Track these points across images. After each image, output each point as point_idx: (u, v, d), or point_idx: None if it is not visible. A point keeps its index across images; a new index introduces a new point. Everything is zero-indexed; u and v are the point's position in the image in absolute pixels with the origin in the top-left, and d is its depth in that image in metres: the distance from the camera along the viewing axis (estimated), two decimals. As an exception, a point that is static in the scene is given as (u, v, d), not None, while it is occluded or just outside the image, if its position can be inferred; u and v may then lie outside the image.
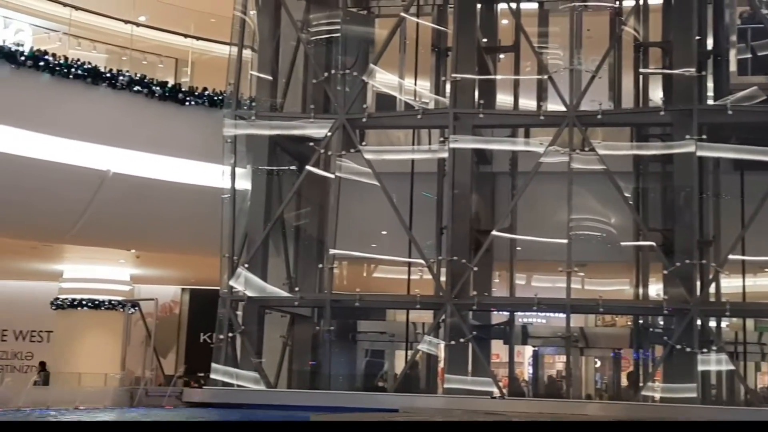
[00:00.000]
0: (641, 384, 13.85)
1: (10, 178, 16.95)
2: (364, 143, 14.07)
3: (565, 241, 13.01)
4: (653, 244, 13.36)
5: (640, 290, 14.91)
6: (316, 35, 14.82)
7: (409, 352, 15.03)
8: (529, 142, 14.68)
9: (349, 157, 13.69)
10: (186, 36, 20.91)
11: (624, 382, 16.20)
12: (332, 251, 13.63)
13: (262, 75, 14.66)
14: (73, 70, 17.55)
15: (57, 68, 17.48)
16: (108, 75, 17.97)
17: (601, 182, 13.30)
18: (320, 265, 14.23)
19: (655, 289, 14.93)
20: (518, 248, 14.81)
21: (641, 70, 15.18)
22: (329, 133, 13.76)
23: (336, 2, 14.64)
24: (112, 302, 25.14)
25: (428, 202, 14.90)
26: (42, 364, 23.96)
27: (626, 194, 13.64)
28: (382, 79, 14.47)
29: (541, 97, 15.15)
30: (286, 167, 14.59)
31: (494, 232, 13.69)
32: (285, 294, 14.01)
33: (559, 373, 17.38)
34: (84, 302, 25.27)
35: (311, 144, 14.14)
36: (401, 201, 14.34)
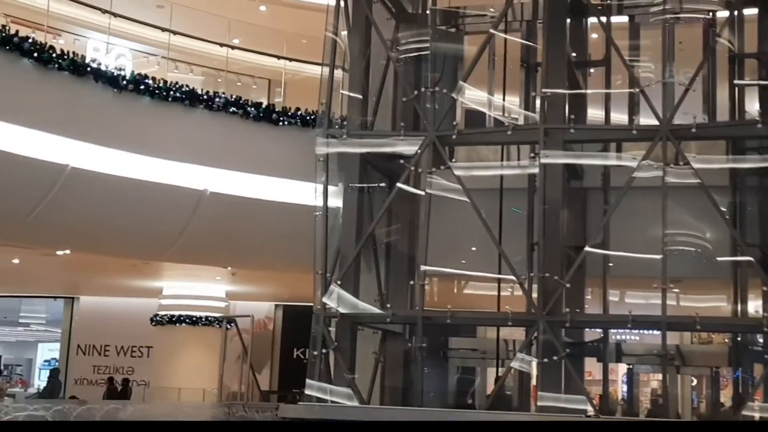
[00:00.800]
0: (741, 403, 13.51)
1: (113, 199, 17.58)
2: (453, 160, 14.13)
3: (659, 256, 12.80)
4: (751, 259, 13.05)
5: (738, 307, 14.56)
6: (405, 53, 14.96)
7: (501, 369, 14.96)
8: (622, 157, 14.49)
9: (439, 174, 13.75)
10: (279, 57, 21.38)
11: (722, 400, 15.83)
12: (423, 268, 13.70)
13: (352, 94, 14.83)
14: (171, 92, 18.10)
15: (156, 91, 18.08)
16: (205, 97, 18.49)
17: (696, 197, 13.05)
18: (411, 282, 14.30)
19: (754, 306, 14.56)
20: (611, 264, 14.63)
21: (736, 81, 14.86)
22: (419, 151, 13.84)
23: (425, 20, 14.78)
24: (209, 318, 25.71)
25: (518, 218, 14.86)
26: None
27: (722, 209, 13.35)
28: (472, 96, 14.51)
29: (633, 110, 14.96)
30: (377, 185, 14.73)
31: (586, 248, 13.55)
32: (377, 311, 14.12)
33: (654, 391, 17.07)
34: (182, 318, 25.92)
35: (401, 161, 14.26)
36: (491, 217, 14.32)
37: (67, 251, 21.66)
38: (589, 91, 15.47)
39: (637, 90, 13.77)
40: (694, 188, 12.91)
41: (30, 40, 16.83)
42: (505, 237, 14.35)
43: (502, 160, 15.38)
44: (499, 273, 14.06)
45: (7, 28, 16.95)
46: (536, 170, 13.57)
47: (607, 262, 14.63)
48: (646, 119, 14.05)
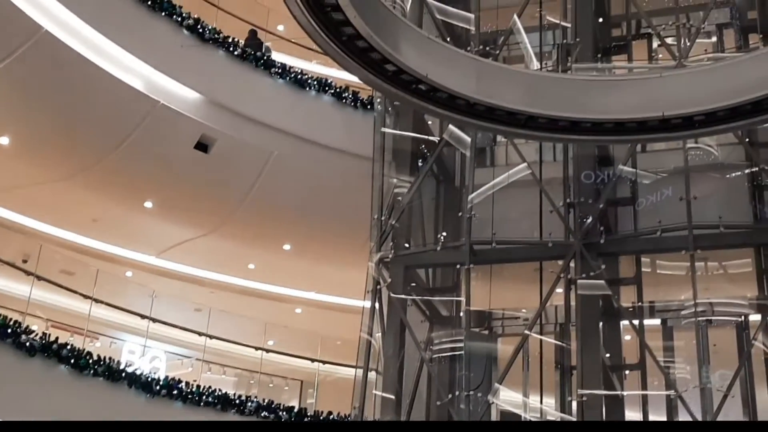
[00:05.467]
0: None
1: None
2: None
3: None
4: None
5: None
6: (439, 353, 15.04)
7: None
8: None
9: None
10: (312, 360, 21.50)
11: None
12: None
13: (386, 395, 14.74)
14: (204, 397, 18.04)
15: (189, 396, 18.02)
16: (237, 401, 18.38)
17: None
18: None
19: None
20: None
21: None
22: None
23: (459, 322, 14.98)
24: None
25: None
26: None
27: None
28: (507, 398, 14.37)
29: (672, 413, 14.68)
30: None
31: None
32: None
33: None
34: None
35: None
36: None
37: None
38: (625, 393, 15.27)
39: (674, 393, 13.62)
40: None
41: (68, 347, 17.14)
42: None
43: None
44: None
45: (48, 334, 17.34)
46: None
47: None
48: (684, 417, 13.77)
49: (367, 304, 15.26)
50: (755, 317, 14.57)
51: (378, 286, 15.11)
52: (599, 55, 15.52)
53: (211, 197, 19.69)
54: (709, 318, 14.36)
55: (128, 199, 19.93)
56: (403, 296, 15.09)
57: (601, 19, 16.15)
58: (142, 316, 20.24)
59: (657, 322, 15.81)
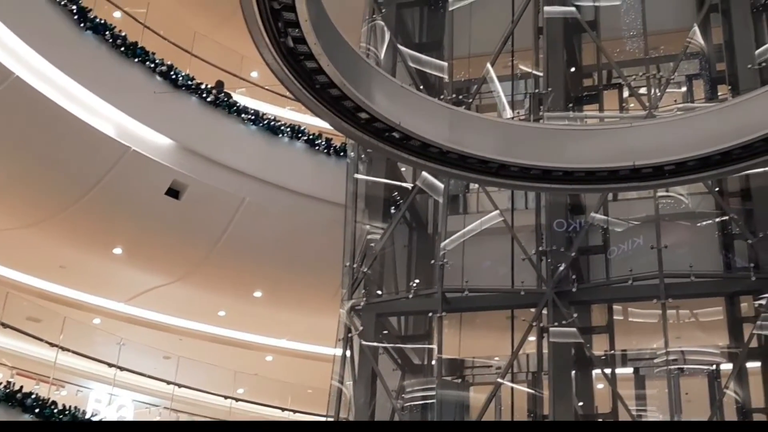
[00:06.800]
0: None
1: None
2: None
3: None
4: None
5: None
6: (410, 401, 14.90)
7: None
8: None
9: None
10: (283, 409, 21.25)
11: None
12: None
13: (357, 445, 14.54)
14: (173, 445, 17.72)
15: (156, 442, 17.66)
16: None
17: None
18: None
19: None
20: None
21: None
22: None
23: (430, 370, 14.87)
24: None
25: None
26: None
27: None
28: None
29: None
30: None
31: None
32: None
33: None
34: None
35: None
36: None
37: None
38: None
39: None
40: None
41: (33, 396, 16.80)
42: None
43: None
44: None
45: (13, 383, 17.00)
46: None
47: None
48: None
49: (339, 352, 15.14)
50: (726, 366, 14.60)
51: (349, 334, 15.02)
52: (571, 105, 15.68)
53: (181, 243, 19.53)
54: (681, 366, 14.37)
55: (97, 245, 19.72)
56: (374, 344, 15.00)
57: (572, 69, 16.34)
58: (110, 364, 19.95)
59: (629, 370, 15.79)
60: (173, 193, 18.39)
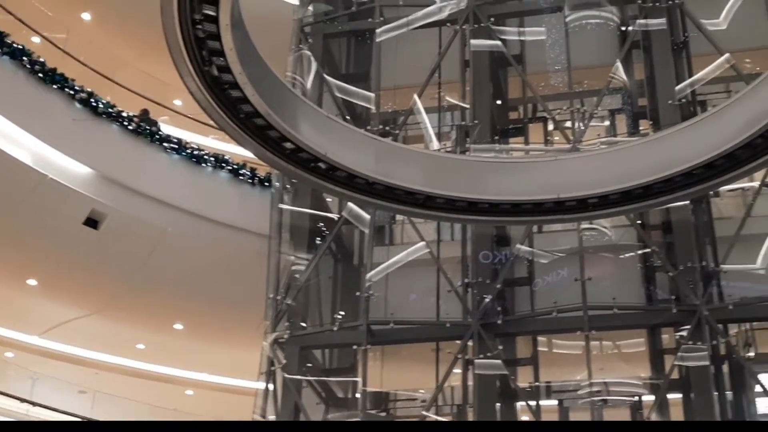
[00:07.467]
0: None
1: None
2: None
3: None
4: None
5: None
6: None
7: None
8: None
9: None
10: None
11: None
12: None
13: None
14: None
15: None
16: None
17: None
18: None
19: None
20: None
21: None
22: None
23: (354, 404, 14.69)
24: None
25: None
26: None
27: None
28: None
29: None
30: None
31: None
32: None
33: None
34: None
35: None
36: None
37: None
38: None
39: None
40: None
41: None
42: None
43: None
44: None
45: None
46: None
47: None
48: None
49: (261, 385, 14.86)
50: (649, 397, 14.74)
51: (272, 367, 14.77)
52: (497, 137, 15.77)
53: (100, 275, 19.04)
54: (604, 398, 14.44)
55: (11, 276, 19.10)
56: (298, 377, 14.78)
57: (499, 102, 16.46)
58: (22, 400, 19.27)
59: (554, 402, 15.84)
60: (92, 222, 17.93)
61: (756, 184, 14.44)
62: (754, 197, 14.34)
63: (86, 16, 22.15)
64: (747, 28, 15.12)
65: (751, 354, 14.55)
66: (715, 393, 13.64)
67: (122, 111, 18.17)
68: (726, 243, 14.09)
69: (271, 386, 14.73)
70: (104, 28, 21.84)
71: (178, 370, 22.90)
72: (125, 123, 18.11)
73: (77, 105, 17.56)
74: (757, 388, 13.91)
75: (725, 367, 14.07)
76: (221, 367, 22.45)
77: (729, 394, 13.96)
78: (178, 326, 21.25)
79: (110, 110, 17.95)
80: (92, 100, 17.74)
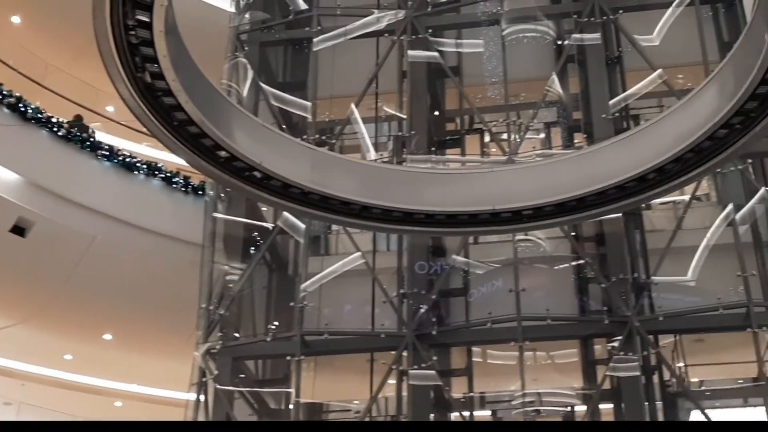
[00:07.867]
0: None
1: None
2: None
3: None
4: None
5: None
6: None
7: None
8: None
9: None
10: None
11: None
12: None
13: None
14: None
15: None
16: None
17: None
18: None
19: None
20: None
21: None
22: None
23: (288, 415, 14.54)
24: None
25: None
26: None
27: None
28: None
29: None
30: None
31: None
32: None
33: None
34: None
35: None
36: None
37: None
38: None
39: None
40: None
41: None
42: None
43: None
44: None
45: None
46: None
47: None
48: None
49: (192, 396, 14.61)
50: (581, 407, 14.89)
51: (204, 378, 14.54)
52: (434, 148, 15.80)
53: (26, 283, 18.55)
54: (538, 408, 14.53)
55: (-68, 284, 18.51)
56: (230, 388, 14.57)
57: (436, 113, 16.50)
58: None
59: (488, 413, 15.91)
60: (19, 230, 17.47)
61: (687, 197, 14.69)
62: (684, 210, 14.58)
63: (16, 19, 21.66)
64: (679, 45, 15.37)
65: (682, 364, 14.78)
66: (646, 403, 13.81)
67: (52, 117, 17.75)
68: (657, 255, 14.30)
69: (202, 397, 14.49)
70: (35, 32, 21.35)
71: (106, 381, 22.45)
72: (55, 129, 17.70)
73: (5, 110, 17.12)
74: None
75: (655, 378, 14.29)
76: (151, 378, 22.07)
77: (659, 404, 14.16)
78: (107, 336, 20.84)
79: (39, 116, 17.54)
80: (21, 105, 17.30)
